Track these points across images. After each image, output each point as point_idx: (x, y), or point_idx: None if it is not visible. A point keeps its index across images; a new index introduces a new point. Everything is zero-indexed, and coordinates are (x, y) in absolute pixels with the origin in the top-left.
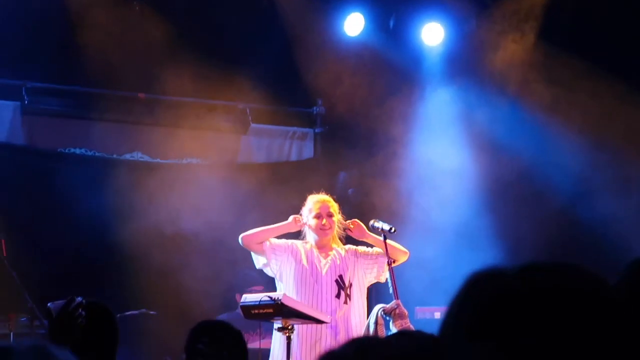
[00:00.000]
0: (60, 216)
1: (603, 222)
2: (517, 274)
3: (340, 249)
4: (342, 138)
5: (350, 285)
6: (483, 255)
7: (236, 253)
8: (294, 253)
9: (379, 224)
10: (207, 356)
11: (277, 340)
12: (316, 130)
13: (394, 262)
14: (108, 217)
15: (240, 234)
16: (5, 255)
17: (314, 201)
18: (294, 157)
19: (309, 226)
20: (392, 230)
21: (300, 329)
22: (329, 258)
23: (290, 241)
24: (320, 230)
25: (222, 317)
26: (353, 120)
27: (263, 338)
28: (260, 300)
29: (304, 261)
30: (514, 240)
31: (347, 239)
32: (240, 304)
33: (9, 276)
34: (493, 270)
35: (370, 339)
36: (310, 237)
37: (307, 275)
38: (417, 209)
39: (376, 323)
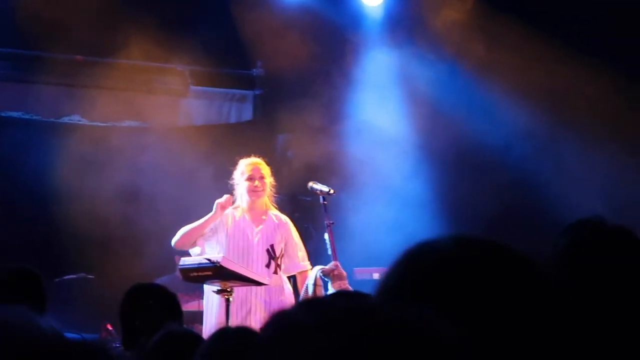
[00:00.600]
0: None
1: (542, 183)
2: (453, 245)
3: (274, 216)
4: (282, 100)
5: (282, 255)
6: (420, 218)
7: (175, 215)
8: (221, 226)
9: (317, 186)
10: (142, 319)
11: (212, 304)
12: (255, 92)
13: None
14: (47, 181)
15: (180, 196)
16: None
17: (245, 164)
18: (233, 119)
19: (241, 189)
20: (331, 191)
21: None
22: (261, 226)
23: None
24: (252, 192)
25: (162, 279)
26: (292, 82)
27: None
28: (199, 263)
29: (233, 230)
30: (452, 202)
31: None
32: (179, 266)
33: None
34: (433, 241)
35: (317, 299)
36: (243, 201)
37: (237, 244)
38: (355, 171)
39: (315, 284)
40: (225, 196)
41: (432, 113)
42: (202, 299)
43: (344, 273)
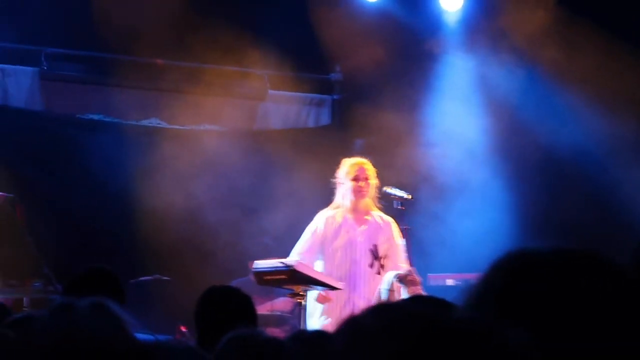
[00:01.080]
0: (77, 182)
1: (621, 190)
2: (549, 254)
3: (378, 216)
4: (359, 105)
5: (386, 256)
6: (498, 223)
7: (255, 220)
8: (326, 228)
9: (393, 191)
10: (217, 321)
11: (314, 306)
12: (333, 97)
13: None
14: (125, 184)
15: (255, 199)
16: (21, 220)
17: (350, 164)
18: (311, 124)
19: (345, 189)
20: (408, 197)
21: (332, 301)
22: (365, 226)
23: (320, 221)
24: (357, 192)
25: (236, 282)
26: (370, 87)
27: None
28: (273, 267)
29: (339, 233)
30: (534, 210)
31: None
32: (253, 269)
33: (25, 242)
34: (527, 249)
35: (387, 303)
36: (346, 200)
37: (341, 248)
38: (432, 175)
39: (389, 290)
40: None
41: (513, 120)
42: (272, 301)
43: (418, 279)
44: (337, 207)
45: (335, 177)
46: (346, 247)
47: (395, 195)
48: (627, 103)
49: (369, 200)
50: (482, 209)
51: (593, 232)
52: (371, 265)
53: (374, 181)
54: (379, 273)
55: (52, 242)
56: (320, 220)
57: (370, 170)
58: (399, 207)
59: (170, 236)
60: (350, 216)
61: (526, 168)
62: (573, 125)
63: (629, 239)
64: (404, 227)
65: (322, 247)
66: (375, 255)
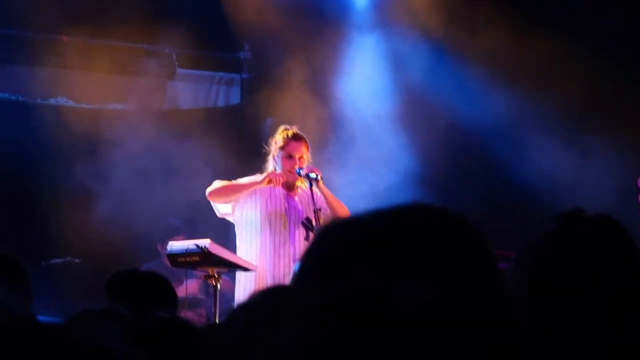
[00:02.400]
0: None
1: (520, 163)
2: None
3: (303, 188)
4: (269, 84)
5: (318, 227)
6: (404, 190)
7: (164, 202)
8: (257, 193)
9: (304, 171)
10: (126, 307)
11: (245, 283)
12: (243, 76)
13: (334, 216)
14: (32, 164)
15: (164, 180)
16: None
17: (286, 138)
18: (220, 103)
19: (276, 163)
20: (318, 177)
21: (262, 271)
22: (296, 199)
23: (251, 179)
24: (290, 172)
25: (148, 265)
26: (280, 65)
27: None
28: (187, 248)
29: (269, 203)
30: (442, 188)
31: None
32: (167, 252)
33: None
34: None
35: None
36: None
37: (274, 219)
38: (345, 155)
39: None
40: (279, 174)
41: (419, 95)
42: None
43: None
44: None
45: (266, 146)
46: (277, 219)
47: (307, 176)
48: (530, 79)
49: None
50: (387, 179)
51: (498, 205)
52: (307, 238)
53: (307, 156)
54: None
55: None
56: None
57: (306, 145)
58: (310, 188)
59: (79, 217)
60: (279, 189)
61: (430, 140)
62: (477, 100)
63: (530, 211)
64: (316, 207)
65: (251, 200)
66: (308, 227)
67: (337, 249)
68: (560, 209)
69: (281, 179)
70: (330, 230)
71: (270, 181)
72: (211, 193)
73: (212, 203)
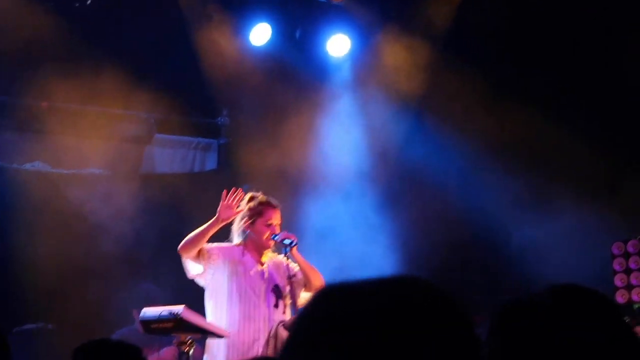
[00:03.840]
0: None
1: (494, 228)
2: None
3: (271, 258)
4: (246, 149)
5: (287, 295)
6: (380, 260)
7: (137, 266)
8: (228, 259)
9: (279, 237)
10: None
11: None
12: (220, 141)
13: (306, 286)
14: (6, 227)
15: (139, 245)
16: None
17: (268, 208)
18: (197, 168)
19: (250, 229)
20: (293, 243)
21: (233, 337)
22: (265, 266)
23: (222, 244)
24: (267, 240)
25: (122, 331)
26: (258, 131)
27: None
28: (159, 315)
29: (239, 269)
30: (399, 228)
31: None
32: (140, 318)
33: None
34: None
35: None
36: (248, 240)
37: (244, 286)
38: (320, 220)
39: (275, 337)
40: (228, 205)
41: (395, 160)
42: (159, 351)
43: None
44: (239, 245)
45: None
46: (248, 286)
47: (282, 242)
48: (506, 149)
49: None
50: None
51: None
52: (276, 305)
53: (278, 223)
54: (284, 312)
55: None
56: (220, 247)
57: (279, 213)
58: (285, 254)
59: (54, 283)
60: (250, 255)
61: (394, 193)
62: (449, 165)
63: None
64: (291, 273)
65: (222, 261)
66: (278, 294)
67: (327, 322)
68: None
69: (233, 209)
70: (320, 304)
71: (224, 219)
72: (181, 247)
73: (183, 262)
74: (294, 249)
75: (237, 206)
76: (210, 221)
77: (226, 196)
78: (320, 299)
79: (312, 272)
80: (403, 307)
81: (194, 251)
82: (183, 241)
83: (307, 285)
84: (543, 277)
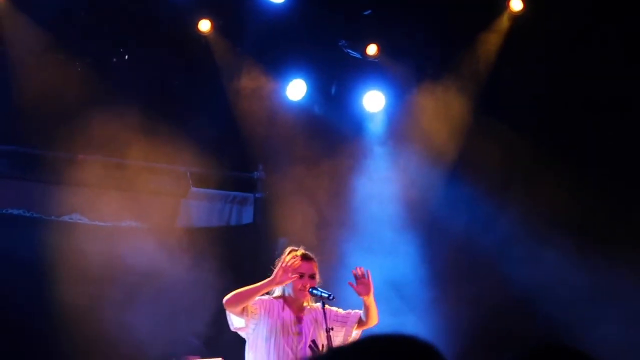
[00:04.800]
0: None
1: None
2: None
3: (312, 309)
4: (282, 203)
5: (323, 348)
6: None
7: (180, 320)
8: (269, 314)
9: (317, 292)
10: None
11: None
12: (256, 195)
13: (363, 324)
14: (47, 279)
15: (179, 299)
16: None
17: (297, 258)
18: (233, 221)
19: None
20: (331, 297)
21: None
22: (303, 322)
23: (264, 298)
24: (300, 291)
25: None
26: (293, 185)
27: None
28: None
29: (278, 325)
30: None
31: None
32: None
33: None
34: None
35: None
36: (284, 292)
37: (282, 342)
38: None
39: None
40: (287, 267)
41: (431, 221)
42: None
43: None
44: (277, 298)
45: (274, 266)
46: (285, 343)
47: (318, 295)
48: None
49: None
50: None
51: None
52: None
53: (318, 278)
54: None
55: None
56: (262, 301)
57: (316, 266)
58: (322, 308)
59: (91, 333)
60: (288, 309)
61: (449, 269)
62: (487, 225)
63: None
64: (328, 327)
65: (262, 317)
66: (314, 350)
67: None
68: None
69: (289, 273)
70: None
71: (279, 282)
72: (227, 300)
73: (227, 315)
74: (370, 297)
75: (293, 271)
76: (264, 281)
77: (284, 260)
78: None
79: (374, 311)
80: None
81: (240, 307)
82: (230, 295)
83: (365, 322)
84: None
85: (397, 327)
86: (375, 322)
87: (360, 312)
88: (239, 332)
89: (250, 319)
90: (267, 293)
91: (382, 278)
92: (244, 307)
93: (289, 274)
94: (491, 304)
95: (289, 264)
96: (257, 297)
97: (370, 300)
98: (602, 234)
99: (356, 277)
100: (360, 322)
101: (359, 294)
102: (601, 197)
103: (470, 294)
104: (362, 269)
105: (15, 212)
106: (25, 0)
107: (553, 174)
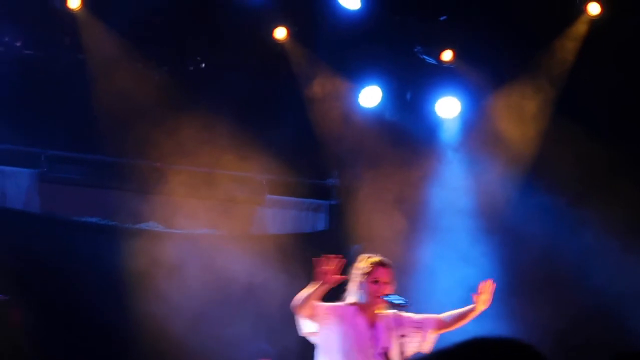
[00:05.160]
0: (75, 285)
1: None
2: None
3: (384, 316)
4: (357, 210)
5: (402, 353)
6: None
7: (250, 324)
8: (340, 319)
9: (391, 298)
10: None
11: None
12: (331, 202)
13: (448, 328)
14: (123, 287)
15: (252, 305)
16: (16, 323)
17: (372, 263)
18: (307, 229)
19: (361, 289)
20: (406, 304)
21: None
22: (377, 328)
23: (336, 304)
24: (375, 298)
25: None
26: (368, 192)
27: None
28: None
29: (350, 331)
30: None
31: None
32: None
33: (18, 344)
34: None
35: None
36: (358, 299)
37: (354, 349)
38: (432, 282)
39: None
40: (330, 270)
41: (504, 225)
42: None
43: None
44: (351, 304)
45: (350, 272)
46: (357, 348)
47: (392, 302)
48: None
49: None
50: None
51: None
52: None
53: (392, 284)
54: None
55: (50, 345)
56: (334, 307)
57: (392, 273)
58: (395, 314)
59: (168, 339)
60: (362, 316)
61: (529, 283)
62: (568, 237)
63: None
64: (401, 334)
65: (335, 321)
66: (386, 357)
67: None
68: None
69: (327, 276)
70: None
71: (328, 281)
72: (294, 306)
73: (296, 319)
74: (485, 308)
75: (338, 271)
76: (320, 284)
77: (323, 262)
78: None
79: (466, 323)
80: None
81: (307, 310)
82: (296, 299)
83: (443, 327)
84: None
85: (476, 333)
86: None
87: (439, 316)
88: (309, 338)
89: (321, 324)
90: (340, 299)
91: (458, 284)
92: (314, 311)
93: (329, 276)
94: (572, 314)
95: (326, 266)
96: (330, 304)
97: (477, 313)
98: None
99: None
100: (441, 326)
101: (478, 304)
102: None
103: (549, 303)
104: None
105: (92, 220)
106: (103, 8)
107: (631, 180)
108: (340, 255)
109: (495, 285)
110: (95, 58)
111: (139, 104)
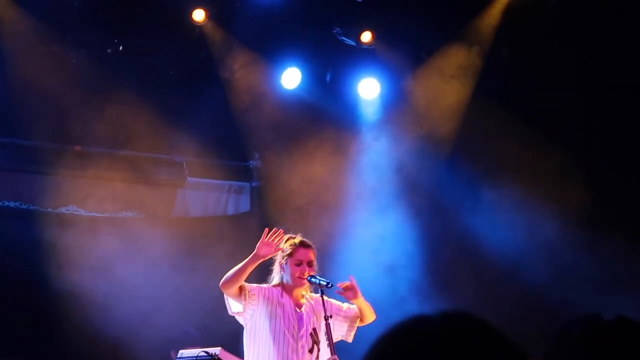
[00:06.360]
0: None
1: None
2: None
3: (310, 298)
4: (279, 191)
5: (322, 338)
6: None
7: (173, 308)
8: (268, 300)
9: (316, 280)
10: None
11: None
12: (252, 184)
13: (360, 320)
14: (43, 271)
15: (175, 288)
16: None
17: (294, 245)
18: (230, 211)
19: (284, 270)
20: (330, 285)
21: None
22: (303, 309)
23: (262, 285)
24: (299, 279)
25: None
26: (289, 173)
27: None
28: (197, 356)
29: (278, 311)
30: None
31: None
32: (177, 359)
33: None
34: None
35: None
36: (283, 280)
37: (282, 328)
38: (347, 260)
39: None
40: (267, 242)
41: (428, 203)
42: None
43: None
44: (276, 286)
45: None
46: (286, 329)
47: (318, 282)
48: (540, 188)
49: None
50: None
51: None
52: (311, 351)
53: (315, 266)
54: (317, 358)
55: None
56: (260, 288)
57: (314, 254)
58: (320, 295)
59: (88, 323)
60: (287, 297)
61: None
62: (486, 211)
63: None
64: (327, 315)
65: (260, 304)
66: (314, 339)
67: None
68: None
69: (269, 248)
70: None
71: (262, 256)
72: (222, 283)
73: (225, 298)
74: (360, 297)
75: (277, 245)
76: (249, 257)
77: (267, 234)
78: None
79: (368, 309)
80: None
81: (235, 287)
82: (224, 277)
83: (362, 319)
84: None
85: (401, 312)
86: (372, 318)
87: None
88: (237, 317)
89: (248, 304)
90: (266, 281)
91: (379, 262)
92: (241, 291)
93: (272, 247)
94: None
95: (270, 238)
96: (256, 285)
97: (361, 301)
98: None
99: (344, 288)
100: (361, 317)
101: (349, 299)
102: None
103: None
104: (346, 282)
105: (11, 204)
106: None
107: (544, 157)
108: (280, 230)
109: (355, 280)
110: (11, 42)
111: (57, 87)
